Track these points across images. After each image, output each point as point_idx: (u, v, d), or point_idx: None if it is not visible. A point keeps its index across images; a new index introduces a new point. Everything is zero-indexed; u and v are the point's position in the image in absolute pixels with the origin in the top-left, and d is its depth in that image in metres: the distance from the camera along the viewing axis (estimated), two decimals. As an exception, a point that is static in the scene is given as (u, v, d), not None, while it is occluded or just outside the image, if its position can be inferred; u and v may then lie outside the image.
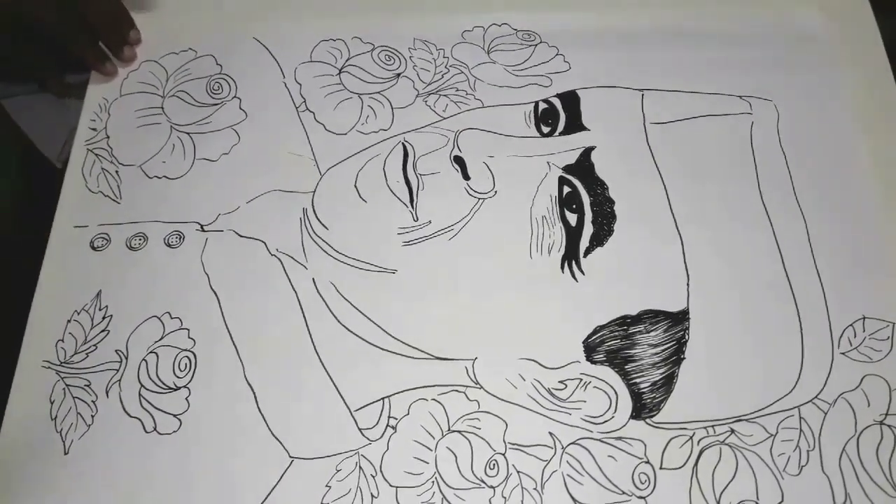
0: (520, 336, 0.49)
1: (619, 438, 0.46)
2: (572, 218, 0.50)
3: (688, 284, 0.49)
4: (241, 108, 0.57)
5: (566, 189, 0.51)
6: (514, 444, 0.46)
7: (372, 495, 0.45)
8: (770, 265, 0.50)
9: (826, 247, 0.51)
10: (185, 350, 0.49)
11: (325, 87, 0.58)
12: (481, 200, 0.51)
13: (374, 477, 0.45)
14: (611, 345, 0.48)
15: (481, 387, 0.48)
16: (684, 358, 0.48)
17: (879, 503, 0.44)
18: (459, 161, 0.52)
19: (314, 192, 0.53)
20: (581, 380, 0.47)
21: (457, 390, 0.47)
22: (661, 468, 0.45)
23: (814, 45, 0.59)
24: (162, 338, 0.49)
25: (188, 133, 0.57)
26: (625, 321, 0.48)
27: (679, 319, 0.48)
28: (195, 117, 0.57)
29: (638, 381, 0.47)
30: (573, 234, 0.50)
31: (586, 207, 0.50)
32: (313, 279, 0.51)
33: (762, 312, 0.49)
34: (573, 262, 0.50)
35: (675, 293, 0.49)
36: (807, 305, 0.49)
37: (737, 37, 0.59)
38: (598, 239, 0.50)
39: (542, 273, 0.50)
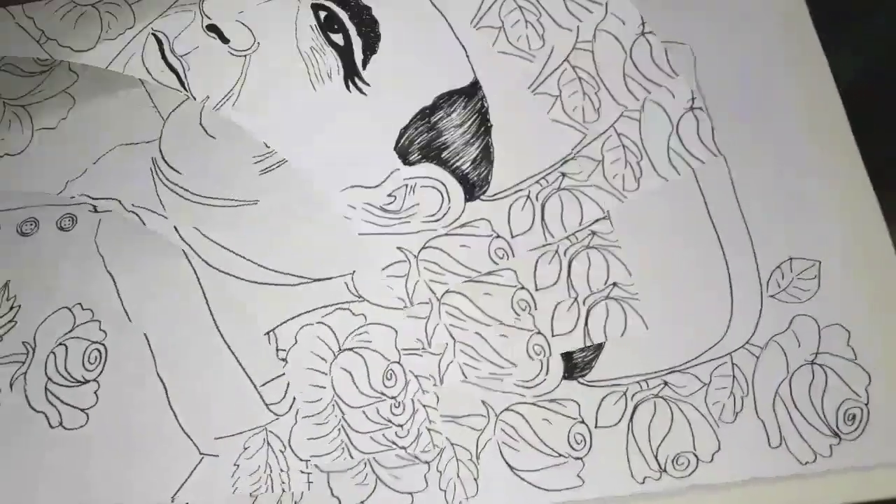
0: (335, 160, 0.49)
1: (553, 400, 0.45)
2: (338, 38, 0.51)
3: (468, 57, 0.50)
4: (71, 70, 0.55)
5: (322, 14, 0.52)
6: (447, 417, 0.44)
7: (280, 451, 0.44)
8: (694, 211, 0.49)
9: (749, 188, 0.49)
10: (96, 342, 0.47)
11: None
12: (247, 57, 0.51)
13: (282, 452, 0.44)
14: (420, 141, 0.49)
15: (364, 299, 0.47)
16: (492, 125, 0.49)
17: (814, 442, 0.43)
18: (213, 29, 0.52)
19: (160, 138, 0.52)
20: (407, 185, 0.48)
21: (340, 308, 0.46)
22: (596, 427, 0.44)
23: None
24: (72, 329, 0.47)
25: (22, 105, 0.54)
26: (424, 114, 0.49)
27: (472, 92, 0.49)
28: (26, 88, 0.54)
29: (458, 163, 0.48)
30: (345, 53, 0.51)
31: (347, 23, 0.51)
32: (175, 227, 0.49)
33: (688, 261, 0.48)
34: (355, 78, 0.50)
35: (459, 70, 0.50)
36: (733, 250, 0.48)
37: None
38: (370, 46, 0.51)
39: (330, 99, 0.50)
